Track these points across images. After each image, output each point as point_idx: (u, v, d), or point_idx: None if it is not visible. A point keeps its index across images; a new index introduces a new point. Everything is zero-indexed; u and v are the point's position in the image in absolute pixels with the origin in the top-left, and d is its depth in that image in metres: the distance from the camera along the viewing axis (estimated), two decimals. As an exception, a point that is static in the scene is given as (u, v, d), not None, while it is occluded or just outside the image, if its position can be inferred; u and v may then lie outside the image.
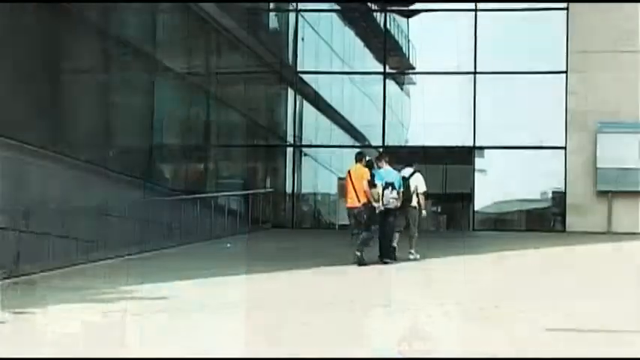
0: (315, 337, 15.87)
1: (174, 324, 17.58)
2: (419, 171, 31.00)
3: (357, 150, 32.78)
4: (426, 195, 30.74)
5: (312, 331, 16.57)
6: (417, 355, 13.38)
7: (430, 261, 28.31)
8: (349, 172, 29.36)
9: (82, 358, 11.70)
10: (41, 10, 28.29)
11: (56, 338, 15.94)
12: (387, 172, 29.37)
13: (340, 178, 48.15)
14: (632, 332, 16.02)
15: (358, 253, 28.04)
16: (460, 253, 30.06)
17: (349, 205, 29.13)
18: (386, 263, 28.31)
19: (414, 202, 30.00)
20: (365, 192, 28.40)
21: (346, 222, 42.63)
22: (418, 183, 30.32)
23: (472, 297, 20.65)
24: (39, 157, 26.37)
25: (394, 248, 28.89)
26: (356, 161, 29.68)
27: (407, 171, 30.45)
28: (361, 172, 28.97)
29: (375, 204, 28.23)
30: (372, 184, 28.91)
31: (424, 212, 30.76)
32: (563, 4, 41.40)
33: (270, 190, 46.91)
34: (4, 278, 22.63)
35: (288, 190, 50.75)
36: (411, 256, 29.26)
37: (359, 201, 28.52)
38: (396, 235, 29.18)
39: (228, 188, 41.93)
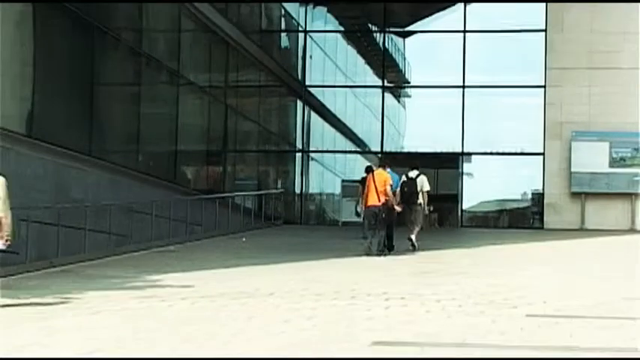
0: (322, 327, 15.93)
1: (195, 308, 17.65)
2: (423, 173, 31.27)
3: (380, 155, 32.99)
4: (429, 194, 31.12)
5: (317, 321, 16.49)
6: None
7: (428, 253, 28.39)
8: (372, 174, 29.36)
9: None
10: (81, 32, 28.39)
11: (96, 319, 16.09)
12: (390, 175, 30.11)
13: (345, 181, 48.33)
14: (603, 318, 16.07)
15: (375, 247, 28.59)
16: (451, 247, 30.17)
17: (370, 203, 29.09)
18: (385, 255, 28.73)
19: (420, 200, 30.41)
20: (387, 194, 28.73)
21: (349, 219, 43.11)
22: (423, 183, 30.68)
23: (463, 286, 20.74)
24: (77, 160, 26.44)
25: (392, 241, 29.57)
26: (379, 166, 30.08)
27: (413, 173, 30.83)
28: (384, 177, 29.29)
29: (396, 207, 28.83)
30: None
31: (427, 208, 31.52)
32: (542, 27, 41.36)
33: (281, 190, 46.91)
34: (48, 267, 22.74)
35: (297, 190, 50.83)
36: (414, 239, 29.77)
37: (379, 200, 28.71)
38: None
39: (243, 189, 41.92)
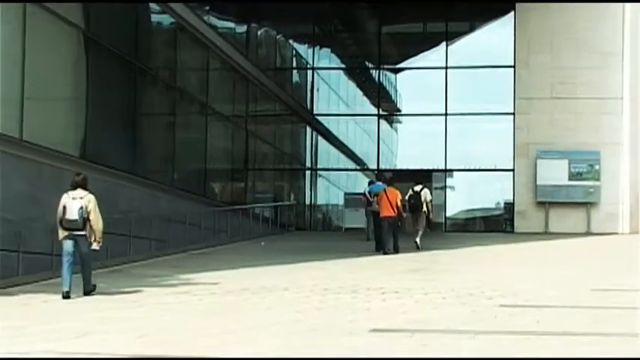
0: (329, 316, 15.99)
1: (222, 301, 17.72)
2: (426, 186, 32.68)
3: (385, 176, 33.21)
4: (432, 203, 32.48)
5: (325, 312, 16.53)
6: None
7: (418, 254, 28.45)
8: (385, 191, 29.84)
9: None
10: (126, 71, 28.48)
11: (140, 310, 16.17)
12: (377, 185, 31.59)
13: (348, 194, 48.38)
14: (566, 307, 16.11)
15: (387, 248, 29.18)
16: (437, 249, 30.19)
17: (386, 214, 29.45)
18: (389, 253, 29.04)
19: (424, 208, 31.39)
20: (399, 207, 29.46)
21: (350, 225, 43.25)
22: (426, 195, 31.72)
23: (447, 282, 20.78)
24: (123, 179, 26.53)
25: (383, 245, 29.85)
26: (389, 185, 30.40)
27: (418, 187, 31.81)
28: (395, 193, 29.84)
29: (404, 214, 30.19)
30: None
31: (431, 215, 32.57)
32: (511, 64, 41.42)
33: (293, 202, 46.87)
34: (100, 268, 22.82)
35: (307, 202, 50.84)
36: (419, 241, 30.55)
37: (394, 211, 29.25)
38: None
39: (262, 201, 41.94)
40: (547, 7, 40.26)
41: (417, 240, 30.68)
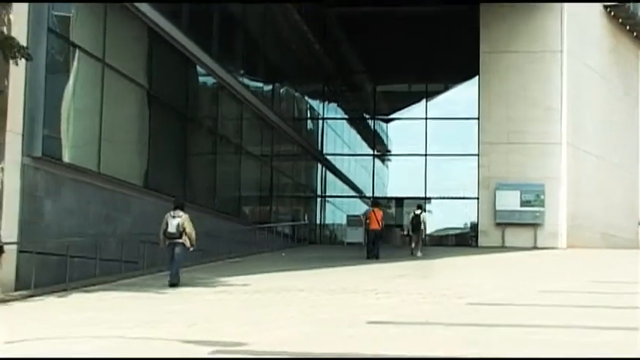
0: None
1: (251, 299, 17.72)
2: (424, 210, 33.62)
3: (373, 200, 34.13)
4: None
5: (332, 308, 16.53)
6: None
7: (403, 263, 28.45)
8: (373, 211, 30.95)
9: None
10: (178, 119, 28.61)
11: (189, 305, 16.22)
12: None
13: (350, 216, 48.45)
14: (522, 305, 16.11)
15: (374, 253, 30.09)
16: (418, 259, 30.20)
17: (374, 227, 30.44)
18: (372, 257, 29.97)
19: (422, 227, 32.30)
20: (382, 222, 30.87)
21: (351, 240, 43.29)
22: (424, 217, 32.70)
23: (426, 285, 20.76)
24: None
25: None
26: (376, 206, 31.93)
27: (418, 211, 32.84)
28: (380, 212, 31.17)
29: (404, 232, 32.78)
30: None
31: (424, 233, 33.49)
32: (476, 116, 41.49)
33: (307, 222, 46.91)
34: (156, 272, 22.83)
35: (317, 221, 50.91)
36: (419, 254, 31.44)
37: (379, 225, 30.35)
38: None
39: (282, 221, 41.93)
40: (504, 73, 40.41)
41: (419, 253, 31.55)
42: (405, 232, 35.44)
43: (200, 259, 26.28)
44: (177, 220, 20.18)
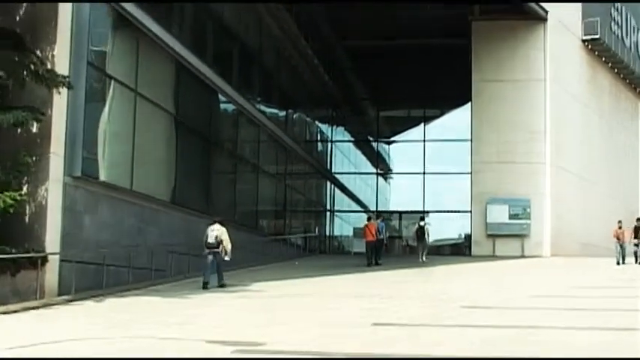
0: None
1: (268, 302, 17.75)
2: (428, 222, 34.64)
3: (368, 215, 34.30)
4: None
5: (340, 311, 16.53)
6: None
7: (404, 270, 28.43)
8: (368, 225, 31.44)
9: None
10: (202, 143, 28.69)
11: (211, 309, 16.26)
12: (379, 224, 31.21)
13: (355, 228, 48.49)
14: (510, 309, 16.09)
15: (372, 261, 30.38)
16: (417, 267, 30.14)
17: (369, 239, 30.86)
18: (378, 265, 30.18)
19: (426, 236, 33.21)
20: (377, 234, 30.86)
21: (357, 250, 43.26)
22: (428, 228, 33.75)
23: (424, 290, 20.74)
24: (200, 217, 26.61)
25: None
26: (371, 220, 32.41)
27: (422, 222, 33.96)
28: (374, 225, 31.41)
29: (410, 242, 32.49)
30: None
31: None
32: (469, 138, 41.45)
33: (318, 233, 46.85)
34: (183, 279, 22.88)
35: (327, 233, 50.84)
36: (424, 259, 32.38)
37: (374, 237, 30.59)
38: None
39: (295, 233, 41.82)
40: (494, 99, 40.30)
41: (423, 258, 32.42)
42: (406, 243, 36.02)
43: (222, 267, 26.28)
44: (215, 233, 21.33)
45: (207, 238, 21.44)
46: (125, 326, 13.46)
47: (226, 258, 21.44)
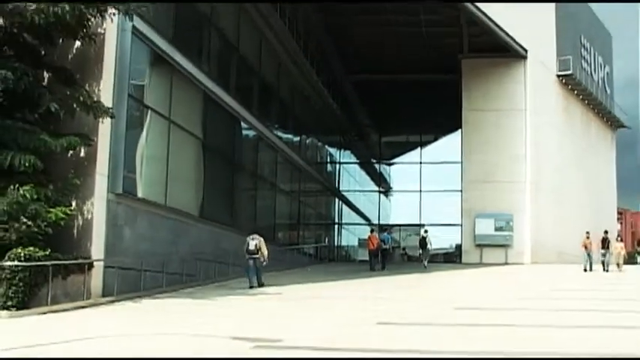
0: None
1: (284, 305, 17.69)
2: (428, 233, 34.72)
3: (370, 228, 34.48)
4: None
5: (348, 312, 16.44)
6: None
7: (404, 276, 28.31)
8: (370, 236, 31.90)
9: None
10: (226, 165, 28.64)
11: (233, 309, 16.20)
12: (381, 234, 31.24)
13: (360, 239, 48.53)
14: (499, 310, 16.00)
15: (375, 268, 30.67)
16: (415, 273, 30.04)
17: (371, 248, 31.35)
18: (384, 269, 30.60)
19: (429, 246, 33.59)
20: (379, 244, 31.35)
21: (362, 258, 43.16)
22: (429, 238, 33.88)
23: (422, 293, 20.66)
24: (225, 229, 26.65)
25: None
26: (373, 232, 32.87)
27: (425, 233, 34.46)
28: (375, 236, 31.93)
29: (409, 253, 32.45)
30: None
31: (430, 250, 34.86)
32: (459, 160, 41.43)
33: (327, 244, 46.87)
34: (210, 283, 22.80)
35: (335, 243, 50.87)
36: (426, 264, 32.75)
37: (374, 247, 31.05)
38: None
39: (308, 243, 41.89)
40: (481, 126, 40.41)
41: (425, 263, 32.79)
42: (404, 252, 36.29)
43: (243, 274, 26.25)
44: (255, 242, 22.09)
45: (248, 246, 22.09)
46: (160, 324, 13.43)
47: (264, 263, 22.15)
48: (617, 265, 30.01)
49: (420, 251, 34.18)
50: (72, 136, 16.91)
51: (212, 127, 26.67)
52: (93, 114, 17.11)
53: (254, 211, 32.24)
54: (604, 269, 29.63)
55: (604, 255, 29.96)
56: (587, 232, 31.04)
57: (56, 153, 16.80)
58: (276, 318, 14.53)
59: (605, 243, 30.21)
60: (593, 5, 49.61)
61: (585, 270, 29.55)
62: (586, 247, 30.23)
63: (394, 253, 34.91)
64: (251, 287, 21.37)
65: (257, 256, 21.91)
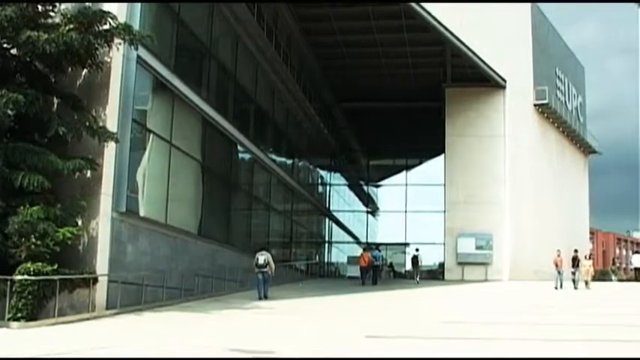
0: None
1: (276, 318, 17.66)
2: (419, 251, 35.69)
3: (363, 246, 34.75)
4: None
5: (337, 325, 16.42)
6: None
7: (391, 292, 28.27)
8: (363, 254, 32.68)
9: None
10: (224, 185, 28.65)
11: (227, 322, 16.13)
12: (373, 252, 31.57)
13: (349, 256, 48.48)
14: (483, 324, 16.01)
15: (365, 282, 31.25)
16: (402, 288, 30.00)
17: (363, 264, 32.09)
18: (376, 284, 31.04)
19: (420, 264, 34.58)
20: (371, 261, 31.93)
21: (351, 274, 43.03)
22: (421, 256, 35.12)
23: (409, 307, 20.64)
24: (222, 246, 26.56)
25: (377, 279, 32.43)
26: (365, 250, 33.59)
27: (416, 252, 35.41)
28: (367, 254, 32.45)
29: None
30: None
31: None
32: (443, 183, 41.51)
33: (318, 261, 46.74)
34: (206, 298, 22.71)
35: (326, 260, 50.70)
36: (417, 280, 33.74)
37: (366, 264, 31.75)
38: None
39: (300, 260, 41.73)
40: (463, 151, 40.58)
41: (417, 279, 33.65)
42: (390, 269, 36.71)
43: (238, 288, 26.18)
44: (264, 256, 22.89)
45: (257, 260, 22.80)
46: (160, 335, 13.42)
47: (272, 275, 22.89)
48: (586, 282, 30.02)
49: (412, 268, 34.59)
50: (79, 159, 16.96)
51: (210, 150, 26.67)
52: (98, 138, 17.17)
53: (249, 229, 32.14)
54: (574, 287, 29.63)
55: (574, 273, 30.00)
56: (559, 250, 31.02)
57: (63, 175, 16.83)
58: (269, 331, 14.53)
59: (575, 261, 30.25)
60: (567, 39, 50.24)
61: (556, 288, 29.46)
62: (557, 265, 30.24)
63: (382, 269, 34.89)
64: (260, 299, 21.96)
65: (265, 269, 22.64)
